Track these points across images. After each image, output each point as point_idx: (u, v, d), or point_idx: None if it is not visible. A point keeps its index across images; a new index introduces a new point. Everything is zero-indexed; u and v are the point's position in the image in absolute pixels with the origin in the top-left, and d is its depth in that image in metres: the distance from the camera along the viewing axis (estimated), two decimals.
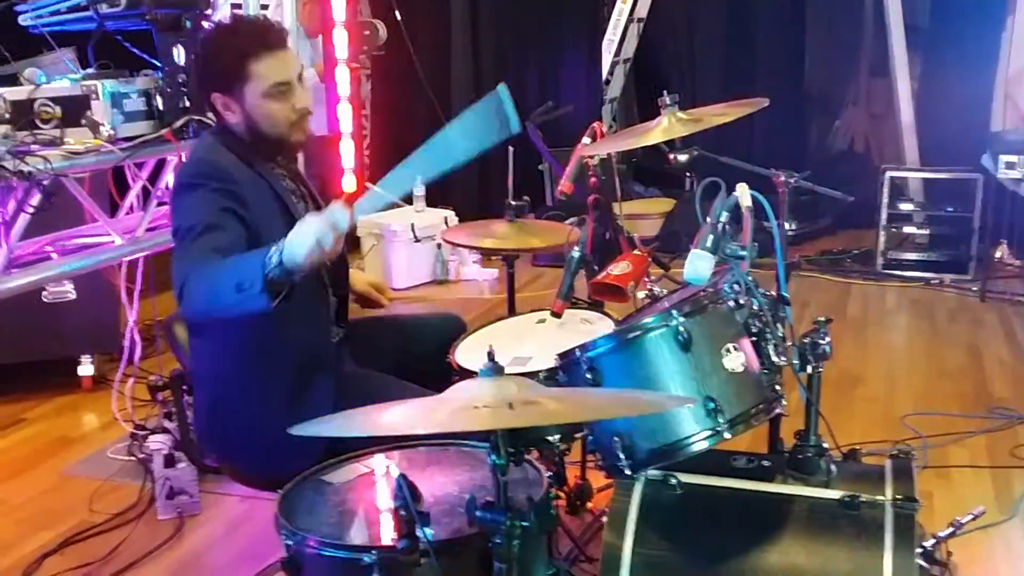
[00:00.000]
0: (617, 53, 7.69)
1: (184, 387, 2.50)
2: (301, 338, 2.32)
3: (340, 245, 1.99)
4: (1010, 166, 4.82)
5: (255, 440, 2.28)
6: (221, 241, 2.11)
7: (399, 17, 6.52)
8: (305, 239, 1.92)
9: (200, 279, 2.05)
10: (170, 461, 3.18)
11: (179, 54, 3.03)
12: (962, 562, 2.44)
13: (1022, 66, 6.06)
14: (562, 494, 2.85)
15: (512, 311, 2.97)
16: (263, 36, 2.27)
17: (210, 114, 3.04)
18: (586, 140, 2.79)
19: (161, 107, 3.01)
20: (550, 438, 2.29)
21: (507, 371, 1.64)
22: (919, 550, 1.93)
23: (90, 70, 2.97)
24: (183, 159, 2.39)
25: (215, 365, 2.36)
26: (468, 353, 2.46)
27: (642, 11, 7.69)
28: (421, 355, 2.53)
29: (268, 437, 2.16)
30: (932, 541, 2.14)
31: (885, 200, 5.98)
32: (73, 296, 4.20)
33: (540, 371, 2.21)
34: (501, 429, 1.53)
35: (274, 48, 2.27)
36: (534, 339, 2.56)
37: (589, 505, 2.89)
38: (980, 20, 6.28)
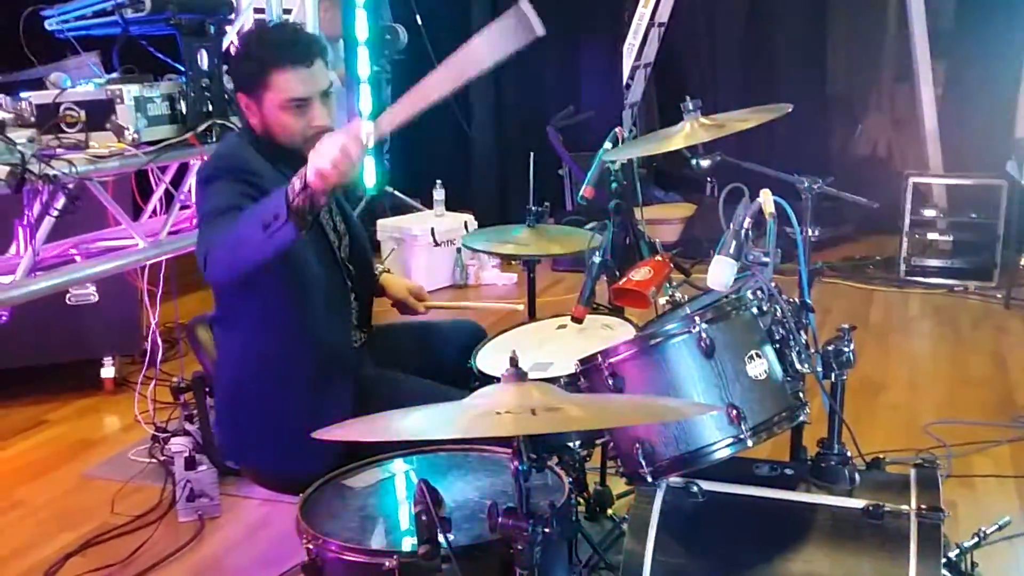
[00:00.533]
0: (638, 58, 7.67)
1: (207, 389, 2.51)
2: (322, 341, 2.33)
3: (360, 160, 1.94)
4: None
5: (273, 441, 2.29)
6: None
7: (419, 21, 6.54)
8: (328, 151, 1.88)
9: (226, 236, 2.04)
10: (191, 463, 3.19)
11: (203, 59, 3.05)
12: (987, 573, 2.41)
13: None
14: (582, 500, 2.84)
15: (532, 316, 2.97)
16: (289, 49, 2.25)
17: (234, 119, 3.09)
18: (608, 145, 2.78)
19: (184, 111, 3.02)
20: (571, 444, 2.29)
21: (528, 377, 1.63)
22: (944, 560, 1.91)
23: (115, 74, 2.99)
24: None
25: (236, 365, 2.37)
26: (489, 358, 2.46)
27: (663, 16, 7.67)
28: (441, 358, 2.54)
29: (286, 438, 2.17)
30: (956, 551, 2.12)
31: (908, 206, 5.94)
32: (96, 299, 4.23)
33: (561, 377, 2.21)
34: (523, 435, 1.52)
35: (298, 63, 2.25)
36: (555, 344, 2.55)
37: (609, 512, 2.88)
38: (1005, 25, 6.23)
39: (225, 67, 2.96)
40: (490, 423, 1.45)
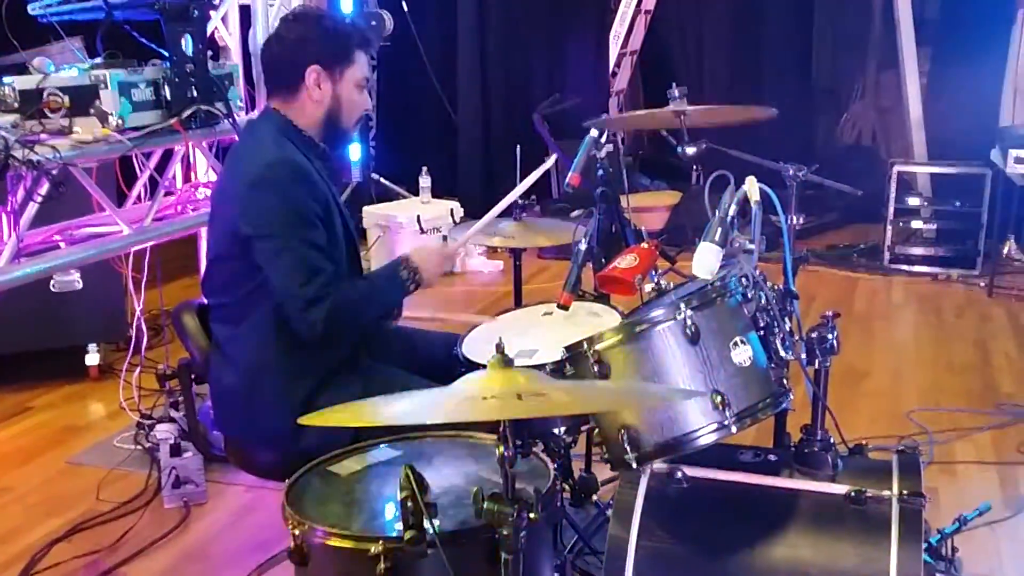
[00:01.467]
0: (624, 45, 7.67)
1: (192, 376, 2.50)
2: None
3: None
4: (1019, 161, 4.79)
5: (286, 425, 2.26)
6: (320, 240, 2.26)
7: (405, 8, 6.52)
8: (436, 269, 2.45)
9: (343, 312, 2.24)
10: (176, 450, 3.19)
11: (187, 43, 3.03)
12: (967, 558, 2.44)
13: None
14: (568, 486, 2.85)
15: (519, 303, 2.97)
16: (369, 34, 2.49)
17: (219, 104, 3.06)
18: (594, 133, 2.78)
19: (169, 97, 3.01)
20: (556, 431, 2.30)
21: (514, 363, 1.64)
22: (925, 545, 1.93)
23: (98, 60, 2.97)
24: (243, 152, 2.38)
25: (250, 356, 2.34)
26: (475, 345, 2.46)
27: (649, 3, 7.68)
28: (428, 356, 2.55)
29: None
30: (938, 537, 2.15)
31: (893, 194, 5.97)
32: (80, 285, 4.17)
33: (547, 363, 2.21)
34: (509, 419, 1.53)
35: (371, 49, 2.47)
36: (541, 331, 2.56)
37: (594, 498, 2.89)
38: (990, 14, 6.25)
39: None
40: (476, 408, 1.45)
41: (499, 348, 1.61)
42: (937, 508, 2.91)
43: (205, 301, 2.49)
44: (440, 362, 2.45)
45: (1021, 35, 6.06)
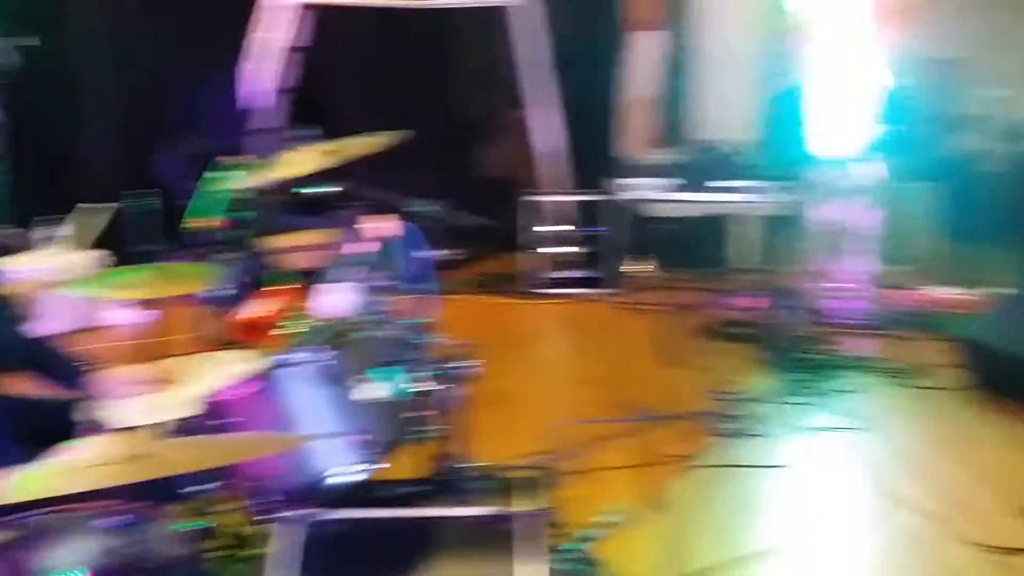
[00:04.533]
0: (266, 83, 7.55)
1: None
2: None
3: None
4: (625, 188, 5.30)
5: None
6: None
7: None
8: None
9: None
10: None
11: None
12: (608, 560, 2.57)
13: (634, 98, 6.80)
14: (218, 544, 2.72)
15: (152, 358, 2.80)
16: None
17: None
18: (229, 173, 2.71)
19: None
20: (196, 488, 2.17)
21: (140, 422, 1.54)
22: (562, 552, 2.02)
23: None
24: None
25: None
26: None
27: (291, 41, 7.61)
28: (39, 425, 2.31)
29: None
30: (575, 542, 2.27)
31: (525, 224, 6.35)
32: None
33: (171, 420, 2.09)
34: (122, 484, 1.41)
35: None
36: (175, 385, 2.42)
37: (245, 552, 2.77)
38: (599, 57, 6.92)
39: None
40: (87, 477, 1.33)
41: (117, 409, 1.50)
42: (581, 515, 3.06)
43: None
44: (55, 430, 2.24)
45: (624, 76, 6.77)
